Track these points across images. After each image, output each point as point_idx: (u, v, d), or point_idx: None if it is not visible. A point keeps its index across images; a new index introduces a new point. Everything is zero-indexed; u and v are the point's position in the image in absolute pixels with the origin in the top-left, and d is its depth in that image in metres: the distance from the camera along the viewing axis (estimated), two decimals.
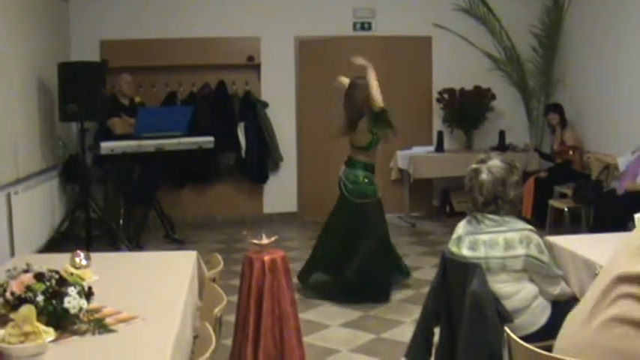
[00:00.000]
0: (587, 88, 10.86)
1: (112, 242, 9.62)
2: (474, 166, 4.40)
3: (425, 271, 8.53)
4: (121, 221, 10.08)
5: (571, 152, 10.33)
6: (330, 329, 6.75)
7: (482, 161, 4.38)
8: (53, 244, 9.15)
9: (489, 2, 11.83)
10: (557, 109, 10.86)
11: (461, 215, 4.61)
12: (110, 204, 10.57)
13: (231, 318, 5.72)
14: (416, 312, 5.32)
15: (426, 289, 5.00)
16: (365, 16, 11.88)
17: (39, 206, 9.16)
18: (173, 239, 10.31)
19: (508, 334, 3.29)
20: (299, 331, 5.68)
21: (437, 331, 4.60)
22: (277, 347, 5.47)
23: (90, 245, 8.87)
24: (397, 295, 7.70)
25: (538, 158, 11.21)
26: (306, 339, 6.01)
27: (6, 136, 8.08)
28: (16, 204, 8.21)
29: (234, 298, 5.79)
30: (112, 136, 9.82)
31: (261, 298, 5.47)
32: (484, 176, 4.30)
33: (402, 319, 6.92)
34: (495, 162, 4.34)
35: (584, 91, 10.96)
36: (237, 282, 6.14)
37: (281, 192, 11.90)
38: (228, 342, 5.62)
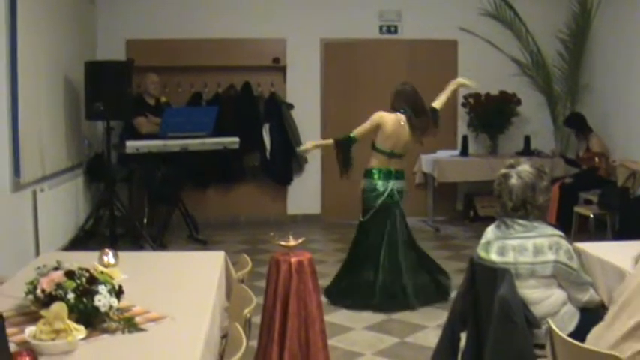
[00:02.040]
0: (614, 94, 10.80)
1: (135, 241, 9.64)
2: (503, 170, 4.38)
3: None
4: (145, 220, 10.11)
5: (597, 159, 10.27)
6: (354, 332, 6.74)
7: (512, 166, 4.36)
8: (78, 242, 9.18)
9: (516, 7, 11.79)
10: (574, 123, 10.80)
11: (485, 220, 4.62)
12: (134, 203, 10.61)
13: (256, 319, 5.72)
14: (440, 316, 5.32)
15: (451, 294, 4.99)
16: (391, 19, 11.87)
17: (64, 204, 9.19)
18: (196, 239, 10.32)
19: (552, 329, 3.32)
20: (324, 333, 5.68)
21: (463, 335, 4.58)
22: (302, 349, 5.47)
23: (114, 244, 8.90)
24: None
25: (563, 164, 11.15)
26: (330, 341, 6.00)
27: (33, 133, 8.11)
28: (41, 202, 8.24)
29: (259, 299, 5.79)
30: (137, 136, 9.86)
31: (288, 300, 5.46)
32: (514, 181, 4.28)
33: (426, 323, 6.89)
34: (525, 167, 4.32)
35: (610, 96, 10.91)
36: (260, 283, 6.16)
37: (305, 194, 11.91)
38: (253, 343, 5.62)
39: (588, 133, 10.65)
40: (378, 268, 7.55)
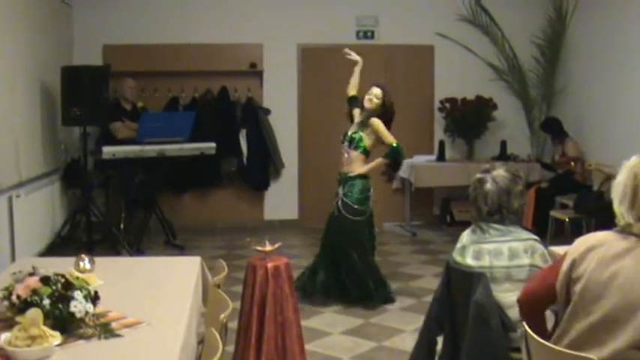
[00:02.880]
0: (590, 98, 10.87)
1: (112, 247, 9.62)
2: (478, 175, 4.39)
3: (426, 280, 8.54)
4: (122, 226, 10.07)
5: (572, 164, 10.33)
6: (332, 337, 6.75)
7: (487, 171, 4.38)
8: (54, 248, 9.16)
9: (492, 12, 11.84)
10: (550, 127, 10.86)
11: (461, 224, 4.63)
12: (111, 208, 10.57)
13: (233, 324, 5.72)
14: (417, 321, 5.34)
15: (427, 298, 5.02)
16: (368, 24, 11.90)
17: (40, 210, 9.16)
18: (174, 245, 10.30)
19: (527, 332, 3.35)
20: (301, 338, 5.69)
21: (440, 340, 4.60)
22: (279, 354, 5.48)
23: (91, 250, 8.86)
24: (398, 304, 7.70)
25: (539, 169, 11.22)
26: (307, 346, 6.01)
27: (8, 139, 8.09)
28: (17, 207, 8.22)
29: (236, 305, 5.79)
30: (114, 141, 9.82)
31: (264, 305, 5.47)
32: (489, 186, 4.30)
33: (403, 327, 6.92)
34: (500, 172, 4.34)
35: (586, 101, 10.97)
36: (237, 288, 6.16)
37: (282, 199, 11.90)
38: (231, 349, 5.62)
39: (564, 138, 10.71)
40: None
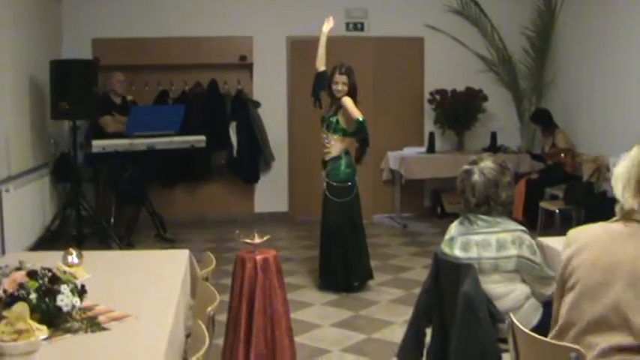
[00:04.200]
0: (579, 89, 10.88)
1: (102, 241, 9.61)
2: (465, 167, 4.40)
3: (416, 272, 8.55)
4: (112, 220, 10.07)
5: (562, 155, 10.35)
6: (321, 329, 6.75)
7: (474, 162, 4.38)
8: (44, 242, 9.13)
9: (481, 3, 11.84)
10: (540, 118, 10.87)
11: (452, 216, 4.64)
12: (101, 202, 10.55)
13: (223, 317, 5.71)
14: (407, 312, 5.34)
15: (417, 290, 5.01)
16: (358, 16, 11.89)
17: (30, 204, 9.14)
18: (164, 238, 10.29)
19: (513, 323, 3.35)
20: (290, 330, 5.68)
21: (428, 331, 4.60)
22: (269, 347, 5.47)
23: (81, 244, 8.87)
24: (388, 296, 7.72)
25: (529, 160, 11.22)
26: (297, 339, 6.00)
27: None
28: (7, 202, 8.19)
29: (226, 298, 5.79)
30: (103, 135, 9.81)
31: (253, 298, 5.46)
32: (476, 177, 4.30)
33: (392, 319, 6.93)
34: (487, 163, 4.34)
35: (575, 92, 10.99)
36: (228, 281, 6.15)
37: (272, 191, 11.90)
38: (220, 341, 5.62)
39: (554, 129, 10.72)
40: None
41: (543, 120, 10.84)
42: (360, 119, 7.55)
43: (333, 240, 7.88)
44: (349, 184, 7.81)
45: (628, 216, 3.18)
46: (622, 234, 3.16)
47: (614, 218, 3.24)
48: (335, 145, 7.80)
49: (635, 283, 3.02)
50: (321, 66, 8.15)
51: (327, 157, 7.84)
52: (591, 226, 3.34)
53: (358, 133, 7.65)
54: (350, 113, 7.63)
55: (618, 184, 3.21)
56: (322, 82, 8.07)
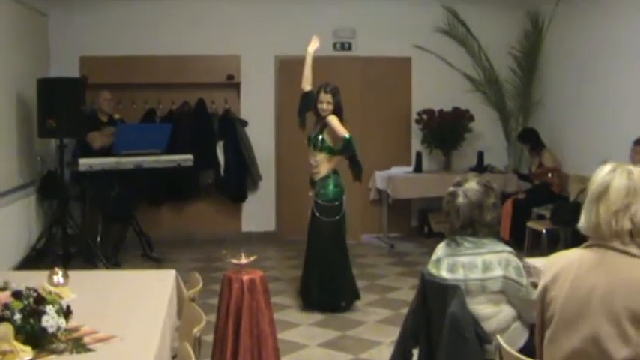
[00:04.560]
0: (566, 109, 10.93)
1: (89, 259, 9.57)
2: (450, 189, 4.40)
3: (403, 292, 8.54)
4: (99, 238, 10.01)
5: (549, 175, 10.37)
6: (309, 349, 6.73)
7: (459, 184, 4.38)
8: (30, 261, 9.10)
9: (469, 24, 11.89)
10: (528, 137, 10.89)
11: (439, 236, 4.64)
12: (88, 221, 10.51)
13: (210, 337, 5.70)
14: (394, 333, 5.33)
15: (404, 310, 5.01)
16: (345, 36, 11.92)
17: (16, 222, 9.12)
18: (151, 257, 10.25)
19: (500, 345, 3.35)
20: (277, 351, 5.68)
21: (415, 352, 4.59)
22: None
23: (67, 262, 8.82)
24: (375, 316, 7.71)
25: (516, 180, 11.24)
26: (283, 359, 5.99)
27: None
28: None
29: (213, 318, 5.77)
30: (90, 152, 9.78)
31: (240, 318, 5.45)
32: (460, 200, 4.30)
33: (380, 339, 6.91)
34: (472, 184, 4.34)
35: (562, 112, 11.03)
36: (215, 301, 6.13)
37: (260, 211, 11.88)
38: None
39: (541, 149, 10.75)
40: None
41: (530, 139, 10.87)
42: (347, 137, 7.58)
43: (320, 259, 7.87)
44: (337, 203, 7.82)
45: (590, 241, 3.20)
46: (591, 262, 3.17)
47: (586, 243, 3.25)
48: (323, 165, 7.81)
49: (613, 317, 3.03)
50: (306, 86, 8.15)
51: (317, 178, 7.84)
52: (565, 254, 3.36)
53: (346, 150, 7.69)
54: (336, 131, 7.65)
55: (584, 206, 3.24)
56: (308, 102, 8.07)
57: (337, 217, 7.82)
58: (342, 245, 7.96)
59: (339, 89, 7.91)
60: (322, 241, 7.85)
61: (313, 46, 8.34)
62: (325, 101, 7.76)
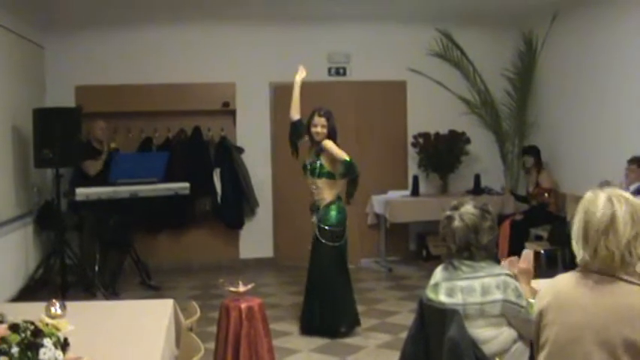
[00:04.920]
0: (561, 129, 10.95)
1: (87, 289, 9.56)
2: (447, 213, 4.40)
3: (402, 316, 8.52)
4: (97, 268, 9.99)
5: (547, 195, 10.38)
6: None
7: (455, 207, 4.38)
8: (28, 292, 9.08)
9: (463, 46, 11.94)
10: (533, 151, 10.92)
11: (437, 259, 4.63)
12: (86, 250, 10.49)
13: None
14: (394, 358, 5.31)
15: (403, 334, 4.99)
16: (340, 61, 11.95)
17: (13, 253, 9.11)
18: (149, 286, 10.24)
19: None
20: None
21: None
22: None
23: (65, 292, 8.84)
24: (374, 341, 7.68)
25: (513, 201, 11.26)
26: None
27: None
28: None
29: (212, 346, 5.76)
30: (87, 181, 9.79)
31: (239, 346, 5.45)
32: (456, 224, 4.30)
33: None
34: (468, 208, 4.34)
35: (557, 132, 11.05)
36: (214, 329, 6.12)
37: (257, 237, 11.86)
38: None
39: (540, 168, 10.77)
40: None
41: (536, 154, 10.87)
42: (347, 159, 7.62)
43: (323, 284, 7.85)
44: (341, 228, 7.83)
45: (585, 268, 3.19)
46: (583, 288, 3.17)
47: (580, 269, 3.24)
48: (325, 190, 7.82)
49: (608, 346, 3.02)
50: (295, 115, 8.15)
51: (321, 204, 7.83)
52: (560, 280, 3.35)
53: (348, 173, 7.73)
54: (334, 155, 7.68)
55: (572, 236, 3.23)
56: (298, 130, 8.08)
57: (341, 242, 7.83)
58: (345, 270, 7.98)
59: (332, 113, 7.91)
60: (326, 265, 7.84)
61: (300, 75, 8.35)
62: (320, 125, 7.77)
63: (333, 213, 7.79)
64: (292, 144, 8.18)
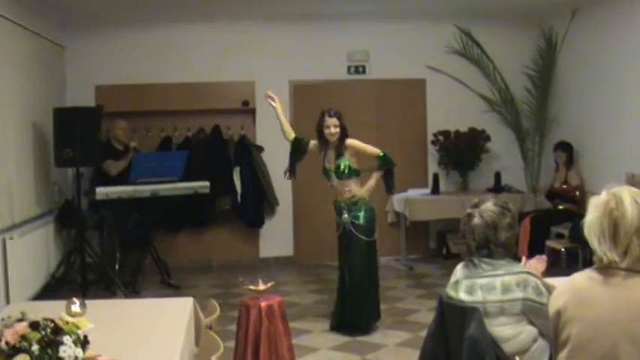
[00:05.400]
0: (582, 127, 10.89)
1: (108, 287, 9.59)
2: (468, 210, 4.40)
3: (422, 314, 8.49)
4: (117, 266, 10.04)
5: (577, 193, 10.32)
6: None
7: (476, 205, 4.38)
8: (49, 290, 9.13)
9: (482, 44, 11.89)
10: (566, 148, 10.80)
11: (458, 257, 4.61)
12: (106, 249, 10.54)
13: None
14: (414, 356, 5.30)
15: (423, 333, 4.98)
16: (359, 59, 11.93)
17: (34, 252, 9.13)
18: (169, 284, 10.26)
19: None
20: None
21: None
22: None
23: (86, 290, 8.88)
24: (395, 339, 7.67)
25: (534, 199, 11.21)
26: None
27: (1, 181, 8.09)
28: (11, 249, 8.19)
29: (232, 344, 5.76)
30: (108, 180, 9.82)
31: (258, 345, 5.45)
32: (476, 221, 4.30)
33: None
34: (488, 205, 4.34)
35: (578, 130, 10.98)
36: (234, 327, 6.12)
37: (277, 236, 11.87)
38: None
39: (570, 165, 10.70)
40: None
41: (568, 150, 10.79)
42: (382, 153, 7.79)
43: (360, 279, 7.88)
44: (373, 224, 7.95)
45: (609, 266, 3.17)
46: (607, 285, 3.15)
47: (599, 266, 3.23)
48: (355, 188, 7.88)
49: (634, 338, 3.01)
50: (290, 134, 8.24)
51: (353, 201, 7.86)
52: (578, 278, 3.34)
53: (385, 165, 7.88)
54: (367, 152, 7.84)
55: (592, 236, 3.20)
56: (302, 144, 8.16)
57: (375, 236, 7.93)
58: (377, 263, 8.07)
59: (341, 112, 7.92)
60: (362, 260, 7.87)
61: (278, 104, 8.31)
62: (332, 125, 7.78)
63: (365, 208, 7.86)
64: (292, 165, 8.20)
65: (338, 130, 7.77)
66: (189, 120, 11.50)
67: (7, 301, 7.79)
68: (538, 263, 4.71)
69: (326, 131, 7.80)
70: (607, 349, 3.05)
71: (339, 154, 7.81)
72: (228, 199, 11.43)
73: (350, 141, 7.77)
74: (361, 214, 7.82)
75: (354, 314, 7.87)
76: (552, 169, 11.21)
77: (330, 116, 7.82)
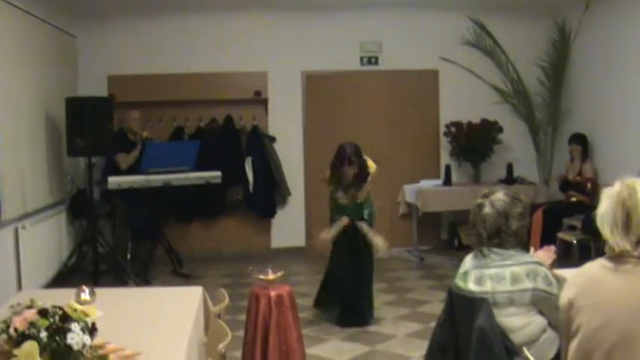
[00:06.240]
0: (595, 119, 10.84)
1: (119, 277, 9.59)
2: (478, 200, 4.40)
3: (433, 305, 8.48)
4: (129, 256, 10.05)
5: (589, 185, 10.28)
6: None
7: (486, 195, 4.38)
8: (61, 279, 9.15)
9: (495, 35, 11.85)
10: (581, 140, 10.74)
11: (469, 248, 4.59)
12: (118, 238, 10.54)
13: (238, 353, 5.69)
14: (424, 347, 5.29)
15: (433, 324, 4.97)
16: (372, 50, 11.91)
17: (46, 241, 9.17)
18: (180, 274, 10.29)
19: (527, 358, 3.33)
20: None
21: None
22: None
23: (97, 280, 8.90)
24: (405, 330, 7.67)
25: (546, 190, 11.19)
26: None
27: (14, 170, 8.11)
28: (23, 238, 8.24)
29: (241, 333, 5.77)
30: (119, 171, 9.83)
31: (268, 334, 5.45)
32: (487, 210, 4.29)
33: (409, 353, 6.88)
34: (498, 195, 4.34)
35: (591, 122, 10.94)
36: (243, 317, 6.12)
37: (289, 226, 11.88)
38: None
39: (585, 158, 10.65)
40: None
41: (583, 143, 10.74)
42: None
43: (371, 270, 7.97)
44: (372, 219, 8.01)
45: (625, 255, 3.17)
46: (620, 273, 3.15)
47: (611, 255, 3.22)
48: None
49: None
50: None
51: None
52: (590, 267, 3.33)
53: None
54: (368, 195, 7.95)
55: (604, 226, 3.21)
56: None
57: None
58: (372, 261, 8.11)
59: (359, 149, 7.87)
60: (371, 254, 7.95)
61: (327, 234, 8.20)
62: (352, 174, 7.77)
63: (368, 205, 7.93)
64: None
65: (354, 170, 7.75)
66: (201, 110, 11.51)
67: (20, 290, 7.82)
68: (545, 254, 4.69)
69: (344, 181, 7.82)
70: (619, 335, 3.05)
71: (355, 192, 7.89)
72: (240, 189, 11.43)
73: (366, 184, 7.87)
74: (371, 210, 7.93)
75: (367, 306, 7.90)
76: (565, 161, 11.16)
77: (349, 164, 7.74)
